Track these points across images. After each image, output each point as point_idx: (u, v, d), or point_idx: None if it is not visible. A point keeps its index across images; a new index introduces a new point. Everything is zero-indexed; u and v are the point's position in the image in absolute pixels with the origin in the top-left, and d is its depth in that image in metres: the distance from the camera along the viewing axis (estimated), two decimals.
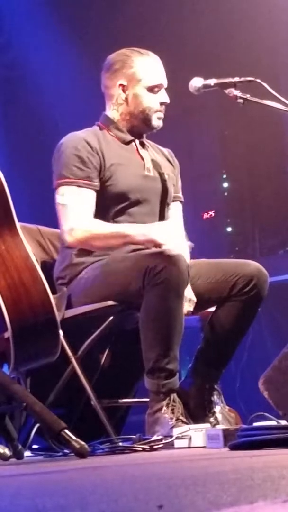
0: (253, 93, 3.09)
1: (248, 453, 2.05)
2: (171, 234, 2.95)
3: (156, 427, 2.85)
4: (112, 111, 3.23)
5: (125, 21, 5.60)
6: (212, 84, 3.15)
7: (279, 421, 2.72)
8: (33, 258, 2.55)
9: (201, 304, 3.16)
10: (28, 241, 3.13)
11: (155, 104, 3.18)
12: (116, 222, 3.10)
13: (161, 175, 3.24)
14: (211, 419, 3.02)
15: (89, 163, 3.09)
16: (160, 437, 2.73)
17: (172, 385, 2.89)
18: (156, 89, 3.19)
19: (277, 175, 5.90)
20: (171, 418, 2.84)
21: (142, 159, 3.22)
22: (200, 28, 5.66)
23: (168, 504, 1.07)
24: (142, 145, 3.26)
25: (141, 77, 3.18)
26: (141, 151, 3.24)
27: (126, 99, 3.19)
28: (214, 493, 1.13)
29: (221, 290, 3.10)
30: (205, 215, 5.65)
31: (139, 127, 3.23)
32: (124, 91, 3.19)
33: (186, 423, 2.85)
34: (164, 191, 3.23)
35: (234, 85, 3.10)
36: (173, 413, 2.85)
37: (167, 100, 3.21)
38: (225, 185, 5.79)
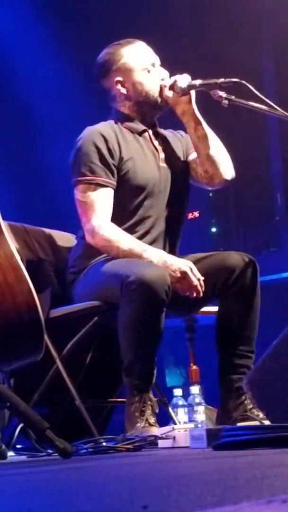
0: (238, 95, 3.10)
1: (232, 453, 2.06)
2: (188, 269, 2.96)
3: (127, 424, 2.86)
4: (121, 108, 3.24)
5: (113, 19, 5.60)
6: (197, 85, 3.15)
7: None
8: (18, 257, 2.55)
9: (193, 304, 3.15)
10: (14, 240, 3.14)
11: (156, 84, 3.19)
12: (133, 214, 3.12)
13: (174, 165, 3.23)
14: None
15: (108, 158, 3.10)
16: (138, 438, 2.74)
17: (144, 386, 2.89)
18: (150, 68, 3.20)
19: (261, 175, 5.92)
20: (141, 420, 2.84)
21: (156, 149, 3.23)
22: (184, 28, 5.66)
23: (152, 504, 1.07)
24: (156, 134, 3.26)
25: (132, 65, 3.19)
26: (155, 141, 3.24)
27: (128, 92, 3.20)
28: (198, 494, 1.13)
29: (215, 284, 3.10)
30: (190, 215, 5.65)
31: (150, 113, 3.23)
32: (123, 85, 3.20)
33: (153, 425, 2.84)
34: (177, 182, 3.22)
35: (219, 86, 3.10)
36: (143, 414, 2.85)
37: (166, 74, 3.22)
38: None
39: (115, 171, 3.11)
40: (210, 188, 3.41)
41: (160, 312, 2.87)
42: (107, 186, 3.09)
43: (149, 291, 2.82)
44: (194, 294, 2.97)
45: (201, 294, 2.98)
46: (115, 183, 3.11)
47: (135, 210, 3.13)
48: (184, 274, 2.95)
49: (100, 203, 3.07)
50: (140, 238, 3.10)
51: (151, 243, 3.10)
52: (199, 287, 2.96)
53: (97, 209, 3.07)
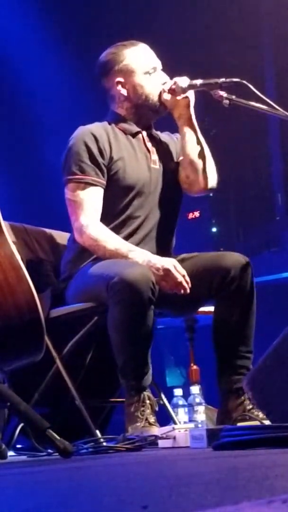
0: (239, 94, 3.10)
1: (232, 453, 2.06)
2: (171, 266, 2.95)
3: (127, 425, 2.85)
4: (118, 109, 3.24)
5: (113, 20, 5.60)
6: (198, 85, 3.15)
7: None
8: (18, 257, 2.55)
9: (189, 304, 3.15)
10: (14, 240, 3.14)
11: (156, 88, 3.19)
12: (121, 214, 3.12)
13: (166, 167, 3.24)
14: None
15: (98, 158, 3.10)
16: (136, 438, 2.74)
17: (141, 385, 2.88)
18: (152, 72, 3.20)
19: (261, 175, 5.92)
20: (141, 420, 2.84)
21: (149, 151, 3.23)
22: (185, 28, 5.66)
23: (152, 504, 1.07)
24: (150, 136, 3.26)
25: (134, 67, 3.19)
26: (148, 143, 3.24)
27: (128, 94, 3.20)
28: (198, 494, 1.13)
29: (207, 286, 3.09)
30: (190, 215, 5.66)
31: (147, 116, 3.24)
32: (123, 87, 3.20)
33: (153, 425, 2.84)
34: (168, 183, 3.22)
35: (220, 86, 3.10)
36: (142, 414, 2.85)
37: (167, 78, 3.22)
38: None
39: (105, 171, 3.12)
40: (189, 194, 3.35)
41: (147, 310, 2.86)
42: (96, 185, 3.10)
43: (134, 290, 2.81)
44: (181, 291, 2.96)
45: (188, 291, 2.97)
46: (104, 182, 3.12)
47: (123, 209, 3.13)
48: (167, 271, 2.94)
49: (89, 202, 3.08)
50: (127, 237, 3.10)
51: (138, 243, 3.10)
52: (184, 283, 2.95)
53: (86, 208, 3.07)
